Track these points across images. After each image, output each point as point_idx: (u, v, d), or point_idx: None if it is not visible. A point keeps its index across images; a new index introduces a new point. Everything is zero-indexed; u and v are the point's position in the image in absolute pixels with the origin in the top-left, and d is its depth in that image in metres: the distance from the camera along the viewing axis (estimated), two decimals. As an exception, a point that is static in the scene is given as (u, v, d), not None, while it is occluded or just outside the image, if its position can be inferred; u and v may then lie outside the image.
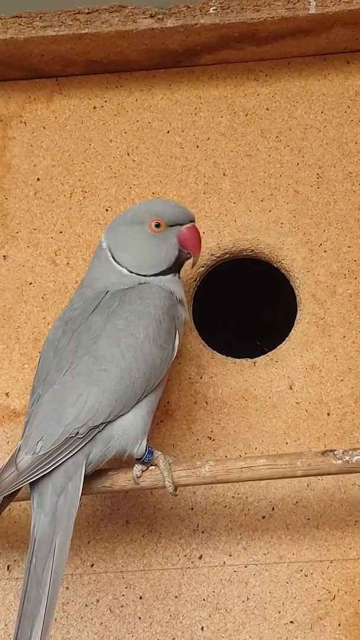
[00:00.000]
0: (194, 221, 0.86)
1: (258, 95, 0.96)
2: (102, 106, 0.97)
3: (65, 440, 0.78)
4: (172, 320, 0.83)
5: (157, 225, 0.84)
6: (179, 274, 0.87)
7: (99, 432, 0.79)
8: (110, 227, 0.86)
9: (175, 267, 0.86)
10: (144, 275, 0.84)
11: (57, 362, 0.81)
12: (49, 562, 0.76)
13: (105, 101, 0.97)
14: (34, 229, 0.96)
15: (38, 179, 0.97)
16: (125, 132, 0.97)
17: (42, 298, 0.95)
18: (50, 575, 0.76)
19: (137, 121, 0.97)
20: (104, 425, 0.79)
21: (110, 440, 0.80)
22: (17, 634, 0.75)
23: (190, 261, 0.86)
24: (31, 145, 0.97)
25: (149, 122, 0.97)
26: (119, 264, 0.85)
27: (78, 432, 0.78)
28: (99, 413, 0.79)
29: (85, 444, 0.79)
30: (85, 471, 0.79)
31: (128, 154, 0.96)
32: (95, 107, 0.97)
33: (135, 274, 0.84)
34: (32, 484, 0.79)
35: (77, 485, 0.78)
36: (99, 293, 0.84)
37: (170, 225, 0.84)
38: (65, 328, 0.83)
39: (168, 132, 0.97)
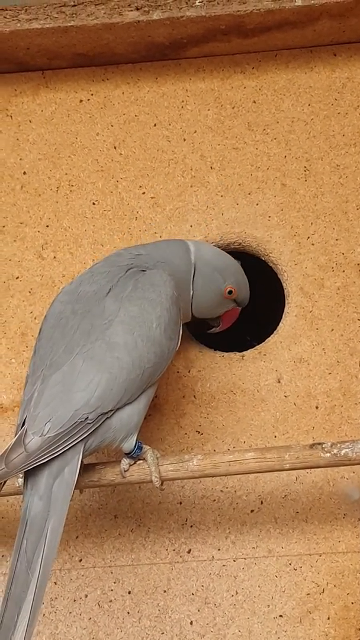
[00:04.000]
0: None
1: (245, 88, 0.96)
2: (89, 99, 0.97)
3: (74, 425, 0.77)
4: (178, 311, 0.83)
5: (230, 293, 0.88)
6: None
7: (107, 418, 0.79)
8: (202, 253, 0.87)
9: (199, 323, 0.90)
10: (193, 315, 0.88)
11: (67, 344, 0.80)
12: (40, 546, 0.75)
13: (92, 94, 0.97)
14: (21, 223, 0.95)
15: (24, 173, 0.96)
16: (112, 126, 0.96)
17: (29, 292, 0.94)
18: (41, 560, 0.75)
19: (124, 114, 0.96)
20: (112, 412, 0.79)
21: (107, 431, 0.79)
22: (3, 618, 0.74)
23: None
24: (17, 139, 0.96)
25: (135, 115, 0.96)
26: (192, 288, 0.86)
27: (87, 418, 0.78)
28: (109, 400, 0.78)
29: (94, 429, 0.78)
30: (82, 458, 0.78)
31: (115, 147, 0.96)
32: (81, 100, 0.97)
33: (190, 307, 0.87)
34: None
35: (74, 471, 0.78)
36: (122, 267, 0.84)
37: (234, 300, 0.89)
38: (76, 306, 0.82)
39: (155, 125, 0.96)
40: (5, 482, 0.80)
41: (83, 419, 0.78)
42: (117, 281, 0.83)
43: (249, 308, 1.22)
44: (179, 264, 0.86)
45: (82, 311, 0.82)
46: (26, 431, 0.78)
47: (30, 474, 0.78)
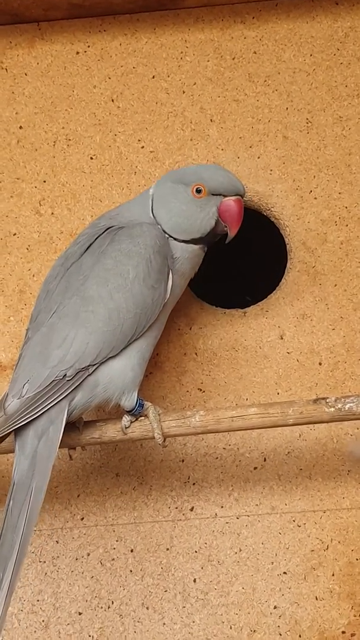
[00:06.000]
0: (241, 195, 0.82)
1: (245, 38, 0.94)
2: (85, 51, 0.95)
3: (52, 383, 0.77)
4: (164, 260, 0.80)
5: (198, 191, 0.81)
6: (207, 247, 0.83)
7: (88, 375, 0.78)
8: (161, 178, 0.84)
9: (208, 239, 0.82)
10: (177, 239, 0.81)
11: (47, 304, 0.80)
12: (24, 506, 0.75)
13: (89, 46, 0.95)
14: (17, 179, 0.93)
15: (20, 127, 0.94)
16: (110, 78, 0.94)
17: (27, 249, 0.93)
18: (25, 519, 0.75)
19: (122, 66, 0.94)
20: (94, 367, 0.78)
21: (95, 388, 0.78)
22: None
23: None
24: (13, 92, 0.94)
25: (133, 67, 0.94)
26: (155, 218, 0.82)
27: (65, 375, 0.77)
28: (86, 355, 0.77)
29: (74, 388, 0.77)
30: (67, 416, 0.78)
31: (112, 100, 0.94)
32: (78, 52, 0.95)
33: (169, 235, 0.82)
34: (17, 428, 0.77)
35: (58, 429, 0.77)
36: (101, 227, 0.82)
37: (213, 194, 0.81)
38: (60, 269, 0.82)
39: (153, 77, 0.94)
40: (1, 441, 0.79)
41: (61, 377, 0.77)
42: (94, 239, 0.81)
43: (250, 264, 1.21)
44: (140, 209, 0.82)
45: (64, 270, 0.81)
46: (7, 394, 0.78)
47: (18, 434, 0.78)
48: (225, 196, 0.81)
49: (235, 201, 0.81)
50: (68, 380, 0.77)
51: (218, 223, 0.81)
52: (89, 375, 0.78)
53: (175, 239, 0.82)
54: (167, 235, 0.82)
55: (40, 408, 0.77)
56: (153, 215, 0.82)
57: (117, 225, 0.82)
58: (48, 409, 0.77)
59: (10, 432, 0.78)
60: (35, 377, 0.77)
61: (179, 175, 0.82)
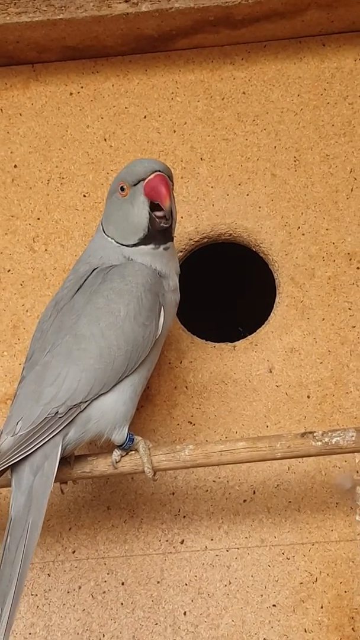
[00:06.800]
0: (158, 170, 0.81)
1: (234, 79, 0.96)
2: (79, 92, 0.97)
3: (44, 420, 0.78)
4: (155, 298, 0.82)
5: (122, 189, 0.82)
6: (169, 243, 0.83)
7: (80, 411, 0.79)
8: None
9: (159, 234, 0.82)
10: (128, 245, 0.83)
11: (41, 343, 0.82)
12: (22, 541, 0.76)
13: (82, 87, 0.97)
14: (12, 216, 0.95)
15: (15, 166, 0.96)
16: (102, 118, 0.96)
17: (21, 285, 0.94)
18: (22, 554, 0.76)
19: (114, 106, 0.96)
20: (86, 404, 0.79)
21: (87, 423, 0.80)
22: None
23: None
24: (8, 132, 0.97)
25: (125, 108, 0.96)
26: (108, 236, 0.84)
27: (57, 412, 0.78)
28: (78, 392, 0.79)
29: (67, 424, 0.78)
30: (62, 451, 0.79)
31: (105, 140, 0.96)
32: (71, 93, 0.97)
33: (122, 244, 0.83)
34: (13, 464, 0.79)
35: (53, 465, 0.79)
36: (87, 270, 0.84)
37: (134, 185, 0.82)
38: (54, 309, 0.84)
39: (145, 117, 0.96)
40: None
41: (53, 414, 0.78)
42: (84, 280, 0.83)
43: (240, 299, 1.23)
44: (99, 241, 0.84)
45: (56, 311, 0.83)
46: (1, 432, 0.79)
47: (14, 470, 0.79)
48: (144, 180, 0.81)
49: (153, 177, 0.81)
50: (60, 417, 0.79)
51: (152, 209, 0.81)
52: (81, 411, 0.79)
53: (129, 245, 0.82)
54: (121, 245, 0.82)
55: (33, 445, 0.78)
56: (107, 235, 0.84)
57: (100, 266, 0.84)
58: (42, 445, 0.79)
59: (6, 469, 0.79)
60: (28, 415, 0.79)
61: (110, 189, 0.85)
